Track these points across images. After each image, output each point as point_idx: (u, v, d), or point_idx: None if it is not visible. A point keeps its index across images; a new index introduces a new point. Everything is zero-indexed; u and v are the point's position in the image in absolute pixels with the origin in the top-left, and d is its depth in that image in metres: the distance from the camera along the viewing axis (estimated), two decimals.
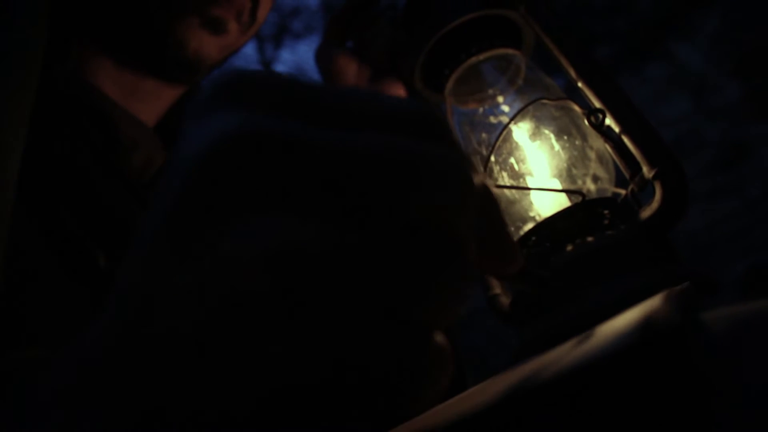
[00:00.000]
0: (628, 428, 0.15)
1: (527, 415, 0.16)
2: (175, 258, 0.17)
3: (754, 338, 0.16)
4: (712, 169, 3.37)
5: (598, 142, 0.41)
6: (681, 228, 0.37)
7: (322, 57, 0.56)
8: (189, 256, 0.17)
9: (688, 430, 0.14)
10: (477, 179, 0.19)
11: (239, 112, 0.18)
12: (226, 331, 0.16)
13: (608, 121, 0.40)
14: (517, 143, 0.42)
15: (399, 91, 0.52)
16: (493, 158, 0.41)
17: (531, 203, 0.42)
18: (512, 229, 0.41)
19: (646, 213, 0.37)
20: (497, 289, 0.43)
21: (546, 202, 0.41)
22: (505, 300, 0.42)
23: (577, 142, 0.41)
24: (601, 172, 0.42)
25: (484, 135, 0.43)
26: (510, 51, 0.45)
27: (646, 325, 0.16)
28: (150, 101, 0.52)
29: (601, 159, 0.42)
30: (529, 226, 0.40)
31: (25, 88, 0.36)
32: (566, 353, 0.19)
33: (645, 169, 0.38)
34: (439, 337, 0.18)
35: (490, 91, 0.46)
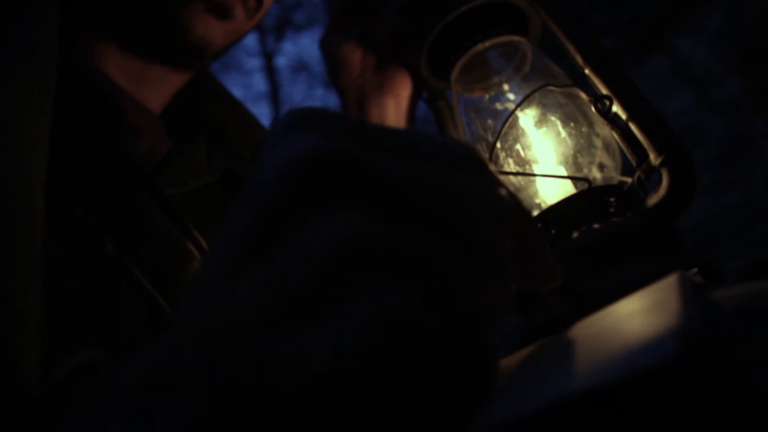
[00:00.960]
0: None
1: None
2: (249, 262, 0.18)
3: (763, 316, 0.16)
4: (715, 163, 3.36)
5: (604, 130, 0.41)
6: (683, 221, 0.37)
7: (327, 45, 0.56)
8: (264, 260, 0.18)
9: (702, 409, 0.14)
10: (516, 207, 0.22)
11: (317, 136, 0.20)
12: (289, 322, 0.17)
13: (615, 108, 0.39)
14: (523, 130, 0.42)
15: (404, 79, 0.52)
16: (498, 145, 0.41)
17: (537, 191, 0.41)
18: None
19: (653, 200, 0.37)
20: None
21: (552, 189, 0.41)
22: None
23: (583, 129, 0.41)
24: (607, 160, 0.42)
25: (490, 121, 0.43)
26: (516, 38, 0.45)
27: (684, 335, 0.14)
28: (156, 87, 0.52)
29: (607, 147, 0.42)
30: (535, 213, 0.40)
31: (46, 79, 0.36)
32: (583, 354, 0.18)
33: (652, 156, 0.38)
34: (491, 338, 0.19)
35: (496, 79, 0.46)
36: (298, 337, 0.17)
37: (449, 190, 0.20)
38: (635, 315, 0.18)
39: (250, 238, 0.19)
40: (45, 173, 0.34)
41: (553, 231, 0.39)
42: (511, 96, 0.45)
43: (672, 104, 3.52)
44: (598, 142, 0.42)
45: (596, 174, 0.42)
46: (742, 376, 0.15)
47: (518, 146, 0.41)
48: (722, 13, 3.56)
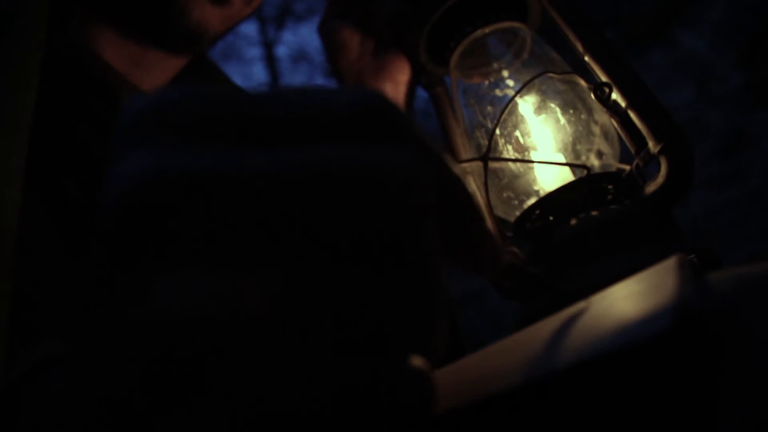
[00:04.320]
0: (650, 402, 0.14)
1: (552, 396, 0.15)
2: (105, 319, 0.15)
3: (762, 295, 0.16)
4: (714, 157, 3.36)
5: (603, 117, 0.41)
6: (680, 215, 0.37)
7: (325, 30, 0.55)
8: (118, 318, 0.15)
9: (697, 387, 0.14)
10: (447, 172, 0.18)
11: (147, 150, 0.16)
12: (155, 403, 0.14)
13: (614, 95, 0.39)
14: (522, 116, 0.41)
15: (403, 64, 0.51)
16: (498, 131, 0.41)
17: (535, 178, 0.41)
18: (516, 203, 0.41)
19: (651, 188, 0.37)
20: None
21: (550, 176, 0.40)
22: None
23: (582, 116, 0.41)
24: (605, 148, 0.42)
25: (489, 108, 0.43)
26: (516, 24, 0.45)
27: (680, 307, 0.14)
28: (153, 71, 0.51)
29: (606, 134, 0.42)
30: (533, 200, 0.40)
31: (31, 61, 0.36)
32: (578, 330, 0.18)
33: (651, 144, 0.37)
34: (417, 363, 0.16)
35: (496, 65, 0.45)
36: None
37: (341, 185, 0.15)
38: (632, 296, 0.18)
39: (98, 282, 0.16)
40: (24, 162, 0.33)
41: (551, 218, 0.38)
42: (510, 83, 0.45)
43: (672, 98, 3.51)
44: (596, 130, 0.41)
45: (594, 161, 0.42)
46: (737, 350, 0.15)
47: (517, 133, 0.41)
48: (723, 6, 3.55)
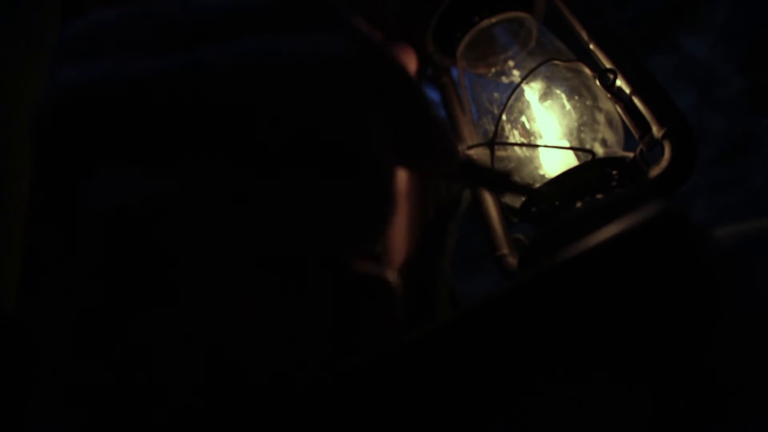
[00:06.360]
0: (642, 305, 0.15)
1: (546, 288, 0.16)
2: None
3: (760, 247, 0.17)
4: (716, 161, 3.36)
5: (607, 105, 0.42)
6: None
7: None
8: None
9: (697, 319, 0.15)
10: (386, 59, 0.17)
11: (70, 65, 0.16)
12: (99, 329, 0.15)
13: (619, 81, 0.40)
14: (528, 102, 0.42)
15: (410, 55, 0.52)
16: (504, 117, 0.42)
17: (541, 164, 0.42)
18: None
19: (655, 172, 0.38)
20: (504, 249, 0.43)
21: (555, 161, 0.41)
22: (512, 260, 0.43)
23: (587, 103, 0.41)
24: (609, 135, 0.42)
25: (495, 95, 0.44)
26: (522, 14, 0.45)
27: (662, 207, 0.15)
28: None
29: (610, 122, 0.42)
30: (538, 185, 0.40)
31: (47, 42, 0.36)
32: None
33: (654, 128, 0.38)
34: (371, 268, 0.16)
35: (502, 55, 0.46)
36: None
37: (266, 78, 0.14)
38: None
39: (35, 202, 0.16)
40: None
41: (556, 202, 0.39)
42: (516, 72, 0.45)
43: None
44: (601, 118, 0.42)
45: (599, 150, 0.42)
46: (737, 298, 0.15)
47: (523, 118, 0.42)
48: (727, 11, 3.55)
